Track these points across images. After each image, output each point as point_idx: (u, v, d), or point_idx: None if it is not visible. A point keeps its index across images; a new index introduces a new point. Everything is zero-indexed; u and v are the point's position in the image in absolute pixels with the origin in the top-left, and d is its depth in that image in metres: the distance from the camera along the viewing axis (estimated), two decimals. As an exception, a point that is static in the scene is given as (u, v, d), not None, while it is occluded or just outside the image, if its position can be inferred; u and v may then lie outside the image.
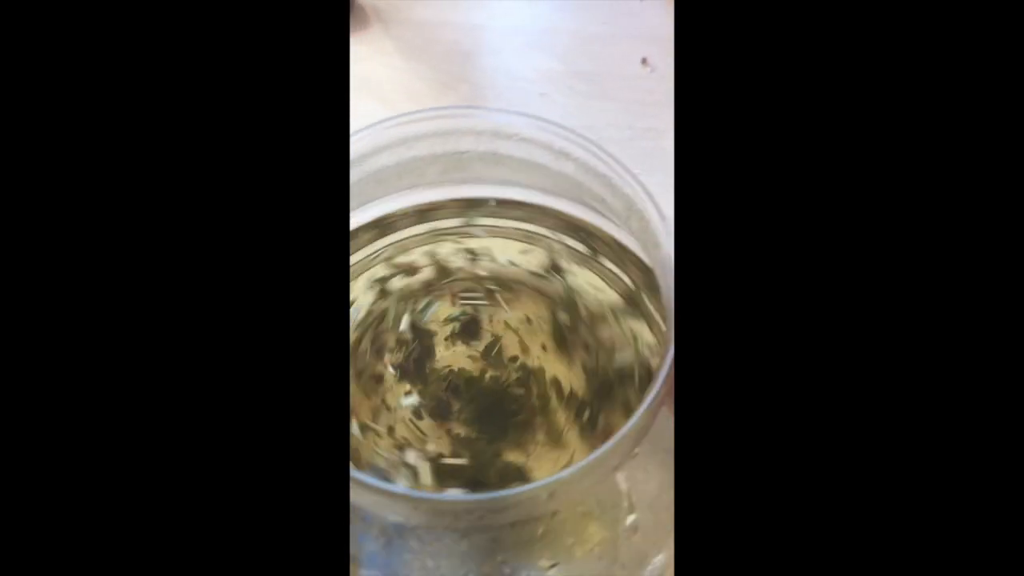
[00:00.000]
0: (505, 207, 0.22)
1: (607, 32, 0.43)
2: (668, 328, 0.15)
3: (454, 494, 0.12)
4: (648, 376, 0.19)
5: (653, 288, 0.20)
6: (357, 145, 0.18)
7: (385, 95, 0.39)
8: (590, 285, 0.21)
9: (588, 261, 0.21)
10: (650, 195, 0.17)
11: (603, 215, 0.20)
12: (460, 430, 0.19)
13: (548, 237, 0.22)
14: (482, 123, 0.18)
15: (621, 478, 0.16)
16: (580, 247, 0.22)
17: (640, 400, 0.14)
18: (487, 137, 0.18)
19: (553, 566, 0.15)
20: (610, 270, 0.21)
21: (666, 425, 0.15)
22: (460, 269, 0.22)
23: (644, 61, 0.41)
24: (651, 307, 0.20)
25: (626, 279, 0.21)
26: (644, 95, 0.40)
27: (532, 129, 0.18)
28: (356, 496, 0.12)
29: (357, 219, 0.21)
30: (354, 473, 0.12)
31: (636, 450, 0.16)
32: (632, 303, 0.21)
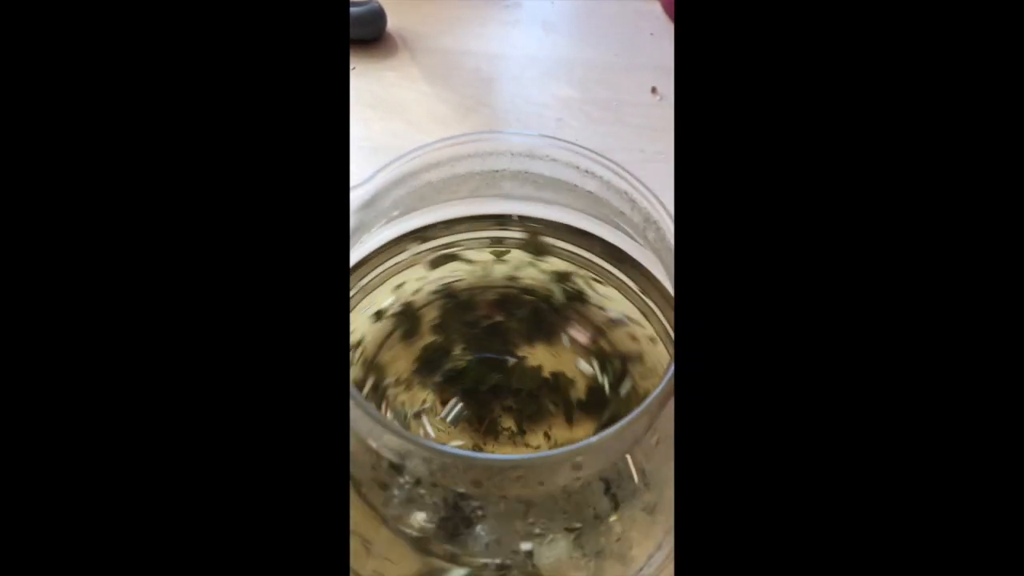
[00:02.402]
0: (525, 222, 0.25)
1: (620, 63, 0.46)
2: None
3: (494, 455, 0.14)
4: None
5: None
6: (406, 164, 0.21)
7: (412, 117, 0.42)
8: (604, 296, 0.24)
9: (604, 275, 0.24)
10: (664, 207, 0.19)
11: (622, 228, 0.22)
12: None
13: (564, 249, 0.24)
14: (517, 145, 0.21)
15: (635, 459, 0.18)
16: (597, 260, 0.24)
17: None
18: (521, 158, 0.21)
19: (575, 530, 0.17)
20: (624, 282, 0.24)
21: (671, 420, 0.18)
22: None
23: (654, 90, 0.44)
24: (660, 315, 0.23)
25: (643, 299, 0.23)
26: (654, 121, 0.42)
27: (560, 150, 0.20)
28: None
29: (400, 228, 0.24)
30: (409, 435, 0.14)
31: (653, 439, 0.18)
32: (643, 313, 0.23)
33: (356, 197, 0.19)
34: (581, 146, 0.20)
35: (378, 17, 0.45)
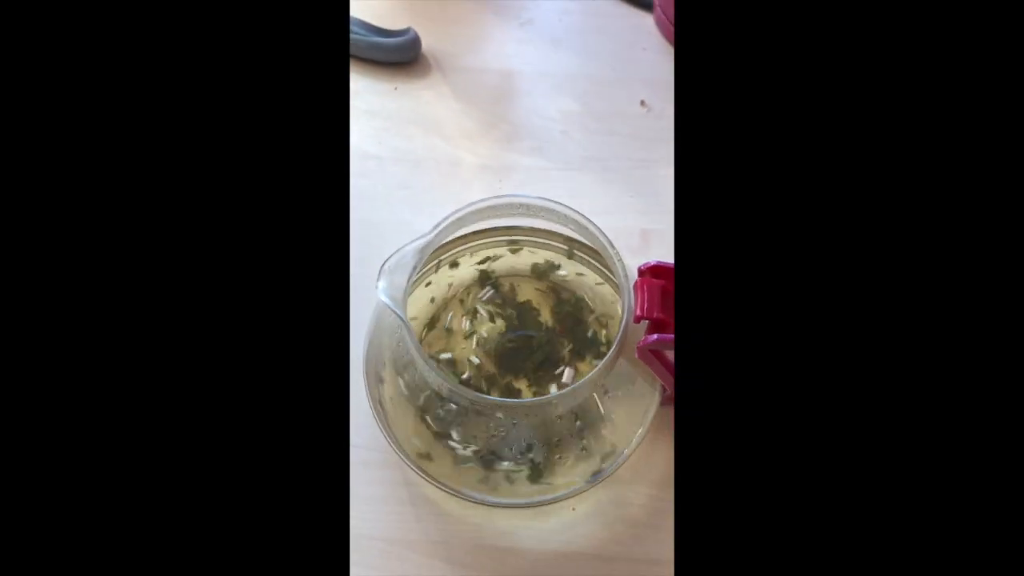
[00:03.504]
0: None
1: (615, 76, 0.55)
2: (624, 305, 0.29)
3: (505, 399, 0.26)
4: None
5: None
6: (453, 218, 0.31)
7: (446, 132, 0.52)
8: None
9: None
10: (616, 251, 0.30)
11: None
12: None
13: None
14: (522, 200, 0.32)
15: (593, 401, 0.30)
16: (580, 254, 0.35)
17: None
18: (522, 207, 0.32)
19: (559, 442, 0.29)
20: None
21: (623, 368, 0.29)
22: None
23: (642, 103, 0.53)
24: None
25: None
26: (642, 132, 0.52)
27: (550, 204, 0.31)
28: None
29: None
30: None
31: (603, 390, 0.30)
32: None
33: (419, 244, 0.30)
34: (563, 204, 0.31)
35: (415, 44, 0.54)
